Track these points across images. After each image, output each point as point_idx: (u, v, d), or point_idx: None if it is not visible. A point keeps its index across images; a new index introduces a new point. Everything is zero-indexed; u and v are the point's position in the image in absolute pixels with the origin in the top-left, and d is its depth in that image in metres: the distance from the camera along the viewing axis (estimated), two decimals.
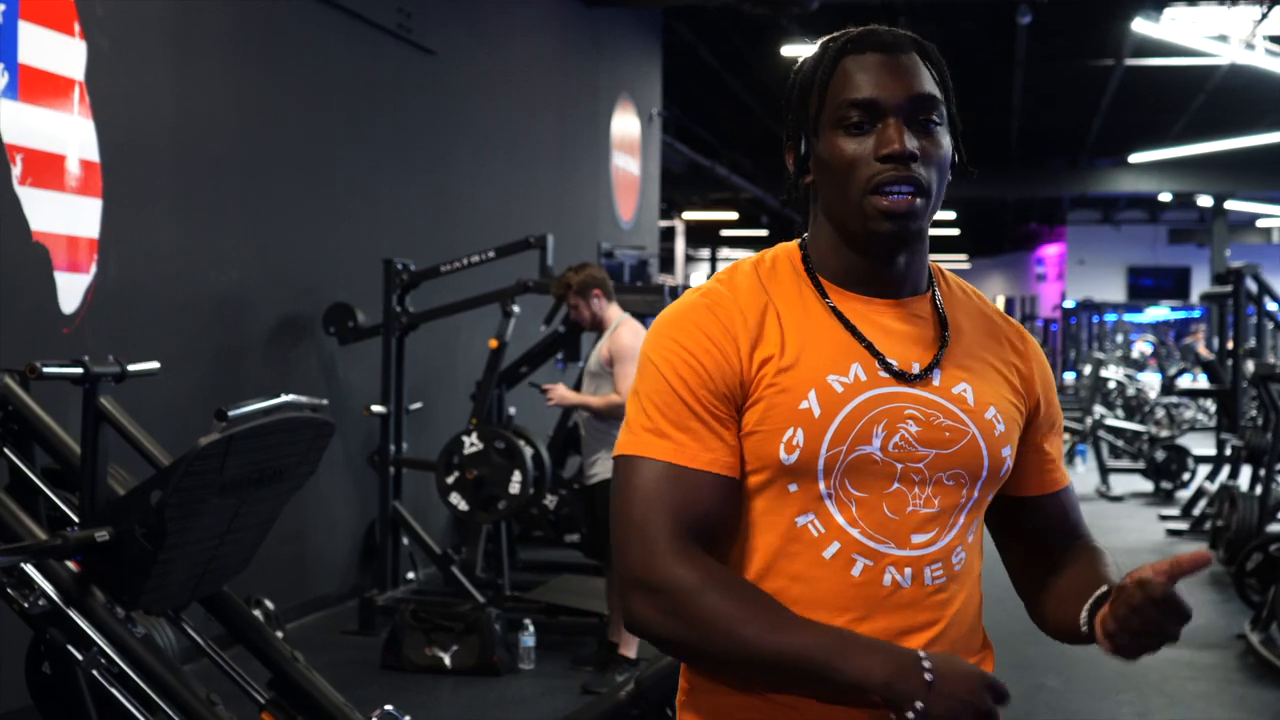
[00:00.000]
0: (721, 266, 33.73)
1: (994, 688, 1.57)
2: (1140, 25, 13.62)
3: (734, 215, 29.13)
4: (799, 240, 1.86)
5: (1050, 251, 37.71)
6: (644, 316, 7.56)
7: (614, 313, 6.51)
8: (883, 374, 1.74)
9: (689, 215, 28.74)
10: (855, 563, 1.70)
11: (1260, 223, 32.38)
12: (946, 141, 1.76)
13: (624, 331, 6.40)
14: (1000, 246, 39.76)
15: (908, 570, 1.71)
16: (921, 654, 1.59)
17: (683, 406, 1.72)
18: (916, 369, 1.76)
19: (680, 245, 28.58)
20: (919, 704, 1.55)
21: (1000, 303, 41.57)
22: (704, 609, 1.64)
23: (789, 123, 1.83)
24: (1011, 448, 1.80)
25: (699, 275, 36.83)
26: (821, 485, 1.71)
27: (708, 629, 1.64)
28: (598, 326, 6.54)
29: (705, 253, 38.64)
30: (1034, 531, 1.91)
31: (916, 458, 1.72)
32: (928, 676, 1.56)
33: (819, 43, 1.81)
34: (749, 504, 1.75)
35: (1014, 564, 1.95)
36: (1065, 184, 26.73)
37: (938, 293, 1.85)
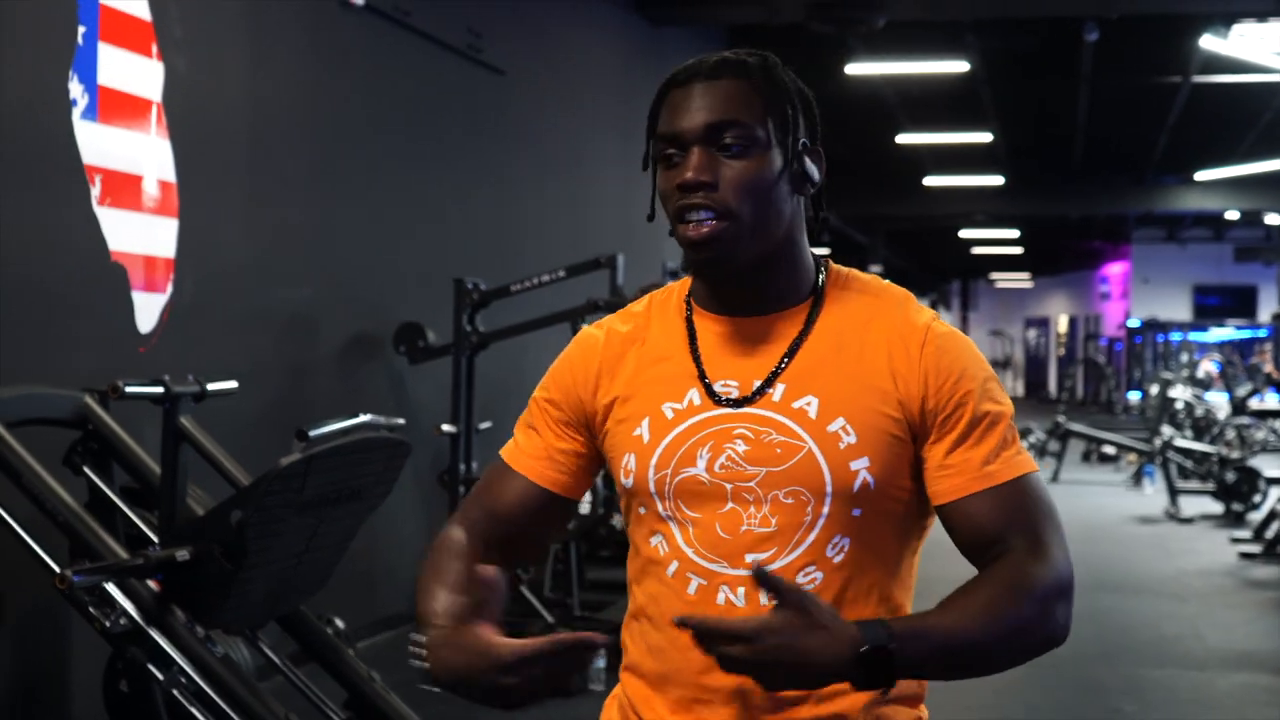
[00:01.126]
0: None
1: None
2: (1208, 42, 13.49)
3: None
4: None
5: (1114, 270, 37.40)
6: None
7: None
8: (710, 399, 1.78)
9: None
10: (690, 581, 1.76)
11: None
12: (765, 164, 1.74)
13: None
14: (1062, 265, 39.44)
15: (740, 590, 1.73)
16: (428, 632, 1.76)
17: (529, 415, 1.94)
18: (757, 385, 1.76)
19: None
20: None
21: (1063, 322, 41.29)
22: (424, 569, 1.90)
23: (647, 160, 1.86)
24: (871, 459, 1.71)
25: None
26: (659, 507, 1.78)
27: (418, 587, 1.89)
28: None
29: None
30: (955, 540, 1.76)
31: (746, 476, 1.73)
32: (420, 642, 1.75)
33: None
34: (628, 525, 1.87)
35: (964, 554, 1.81)
36: (1130, 201, 26.48)
37: (819, 304, 1.81)
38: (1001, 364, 43.28)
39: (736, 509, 1.74)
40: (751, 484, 1.73)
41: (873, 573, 1.76)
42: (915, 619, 1.64)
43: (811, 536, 1.73)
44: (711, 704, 1.76)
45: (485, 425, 7.70)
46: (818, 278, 1.84)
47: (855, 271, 1.90)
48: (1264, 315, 34.30)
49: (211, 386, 4.20)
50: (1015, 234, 30.68)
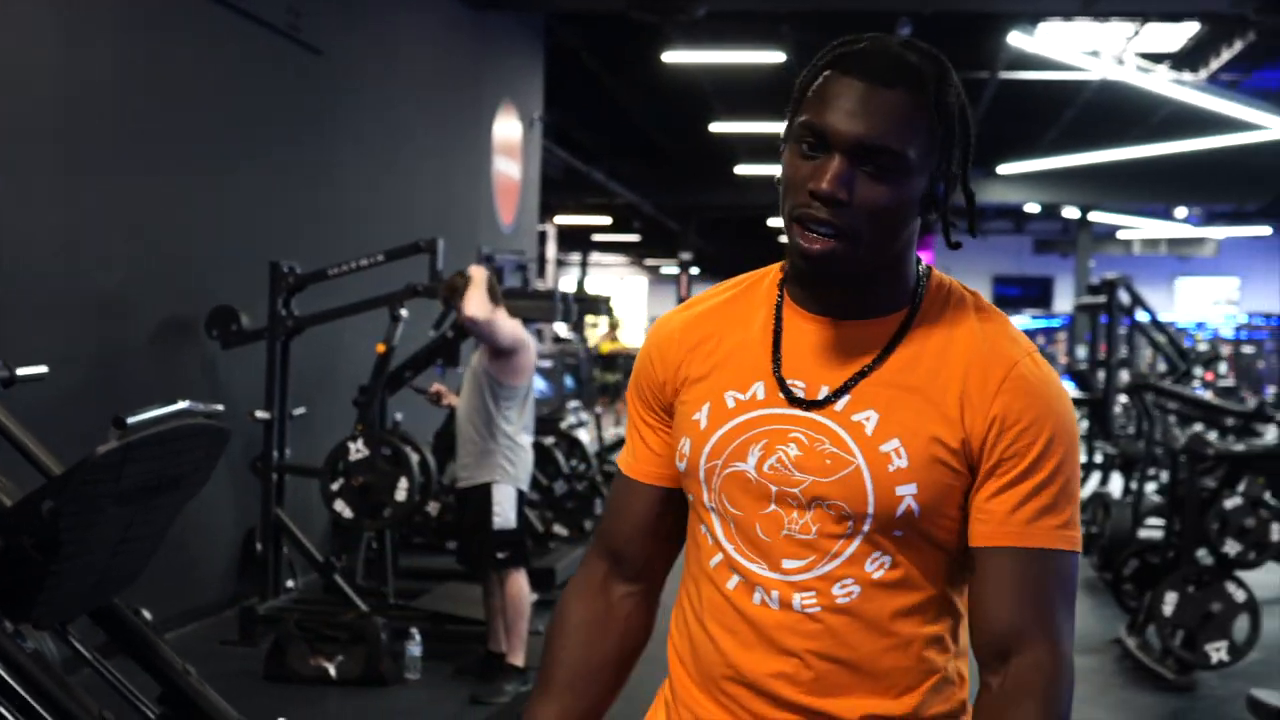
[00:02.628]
0: (592, 271, 33.65)
1: None
2: (1016, 39, 13.83)
3: (608, 220, 29.14)
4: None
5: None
6: (531, 322, 7.52)
7: (500, 317, 6.46)
8: (780, 394, 1.72)
9: (561, 219, 28.69)
10: (731, 576, 1.73)
11: (1121, 234, 33.07)
12: (904, 189, 1.66)
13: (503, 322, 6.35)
14: None
15: (775, 593, 1.70)
16: None
17: (629, 421, 1.92)
18: (825, 392, 1.70)
19: (551, 249, 28.51)
20: None
21: None
22: (552, 621, 1.93)
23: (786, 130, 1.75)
24: (919, 487, 1.65)
25: (569, 280, 36.77)
26: (705, 496, 1.76)
27: (550, 627, 1.93)
28: None
29: (576, 257, 38.59)
30: (974, 594, 1.71)
31: (792, 482, 1.69)
32: None
33: (834, 43, 1.72)
34: (690, 511, 1.85)
35: (969, 633, 1.77)
36: None
37: (914, 316, 1.73)
38: None
39: (779, 511, 1.71)
40: (797, 490, 1.70)
41: (921, 589, 1.71)
42: None
43: (850, 550, 1.69)
44: (724, 701, 1.76)
45: (300, 411, 7.58)
46: (918, 286, 1.77)
47: (958, 284, 1.81)
48: (1060, 306, 35.38)
49: (20, 372, 4.06)
50: None
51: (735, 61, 14.51)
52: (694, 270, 30.78)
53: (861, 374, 1.70)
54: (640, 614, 1.91)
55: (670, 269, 38.78)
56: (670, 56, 14.17)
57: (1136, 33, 14.08)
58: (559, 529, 9.71)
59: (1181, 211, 29.88)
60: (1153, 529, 9.39)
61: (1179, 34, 14.41)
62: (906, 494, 1.65)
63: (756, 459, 1.71)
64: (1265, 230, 31.88)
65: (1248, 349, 26.76)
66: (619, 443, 11.60)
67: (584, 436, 11.06)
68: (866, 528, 1.67)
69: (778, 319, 1.77)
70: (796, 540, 1.69)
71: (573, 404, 12.39)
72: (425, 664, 6.58)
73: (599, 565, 1.91)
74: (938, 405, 1.67)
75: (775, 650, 1.70)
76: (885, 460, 1.65)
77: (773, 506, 1.70)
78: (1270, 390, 22.59)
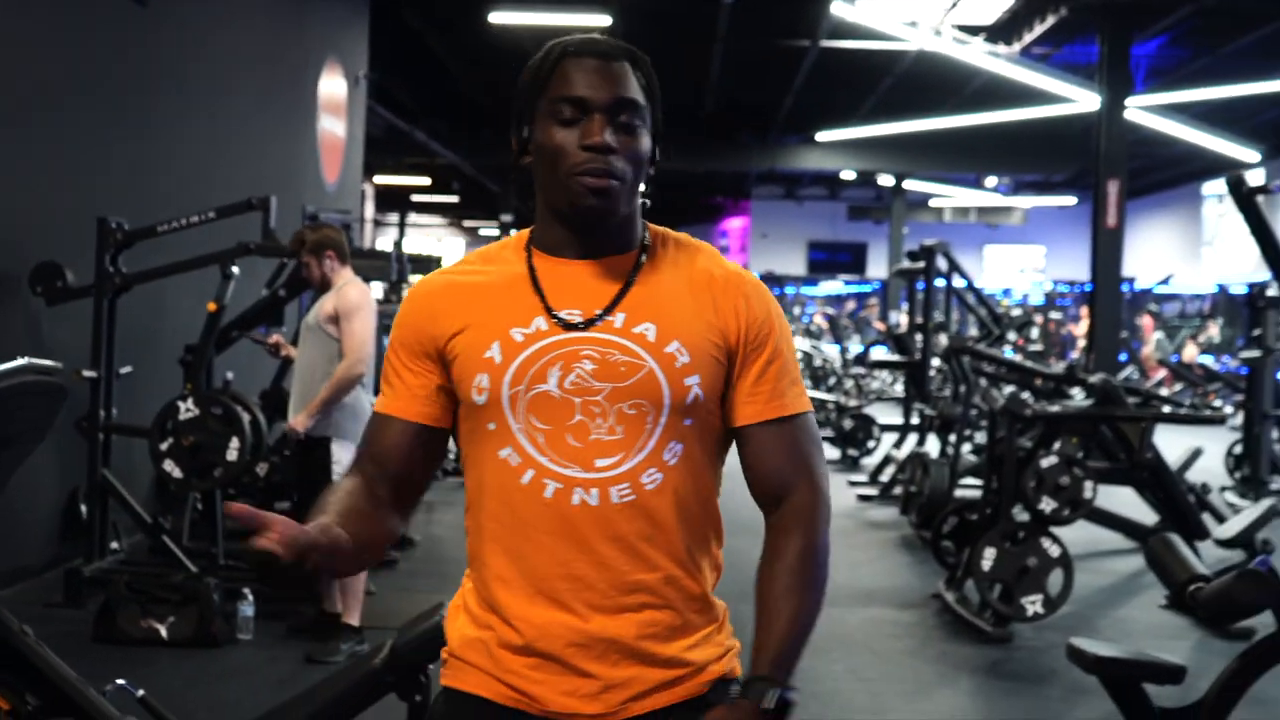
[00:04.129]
0: (411, 232, 33.38)
1: None
2: (838, 8, 14.08)
3: (427, 180, 28.95)
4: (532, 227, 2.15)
5: (734, 224, 38.62)
6: (368, 280, 7.49)
7: (345, 275, 6.43)
8: (558, 324, 2.01)
9: (380, 179, 28.44)
10: (547, 486, 1.98)
11: (933, 202, 33.85)
12: (645, 141, 2.03)
13: (350, 290, 6.32)
14: (685, 218, 40.47)
15: (594, 490, 1.97)
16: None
17: (390, 368, 2.11)
18: (597, 314, 2.01)
19: (369, 209, 28.25)
20: None
21: None
22: (321, 496, 2.03)
23: (515, 111, 2.09)
24: (701, 377, 2.00)
25: (386, 240, 36.44)
26: (511, 421, 2.00)
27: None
28: (325, 287, 6.44)
29: (394, 218, 38.26)
30: (749, 459, 2.08)
31: (593, 391, 1.98)
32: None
33: (547, 45, 2.05)
34: (470, 445, 2.06)
35: (750, 489, 2.11)
36: (754, 159, 27.42)
37: (646, 252, 2.08)
38: None
39: (584, 420, 1.98)
40: (598, 398, 1.98)
41: (700, 476, 2.05)
42: (771, 646, 1.97)
43: (652, 443, 1.99)
44: (558, 599, 1.98)
45: (126, 370, 7.43)
46: (643, 234, 2.11)
47: (669, 230, 2.16)
48: (873, 271, 36.08)
49: None
50: (641, 187, 31.27)
51: (562, 24, 14.50)
52: (514, 232, 30.71)
53: (621, 293, 2.03)
54: (395, 520, 2.10)
55: (490, 230, 38.66)
56: (497, 17, 14.12)
57: (954, 4, 14.42)
58: None
59: (991, 181, 30.69)
60: (969, 488, 9.69)
61: (995, 7, 14.80)
62: (693, 384, 2.00)
63: (557, 378, 1.98)
64: (1071, 200, 32.87)
65: (1055, 315, 27.63)
66: None
67: None
68: (664, 419, 1.99)
69: (532, 268, 2.07)
70: (604, 442, 1.98)
71: None
72: (258, 624, 6.54)
73: (362, 476, 2.08)
74: (698, 313, 2.04)
75: (602, 540, 1.97)
76: (671, 359, 1.99)
77: (578, 416, 1.98)
78: (1074, 355, 23.34)
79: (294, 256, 6.67)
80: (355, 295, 6.30)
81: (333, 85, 13.07)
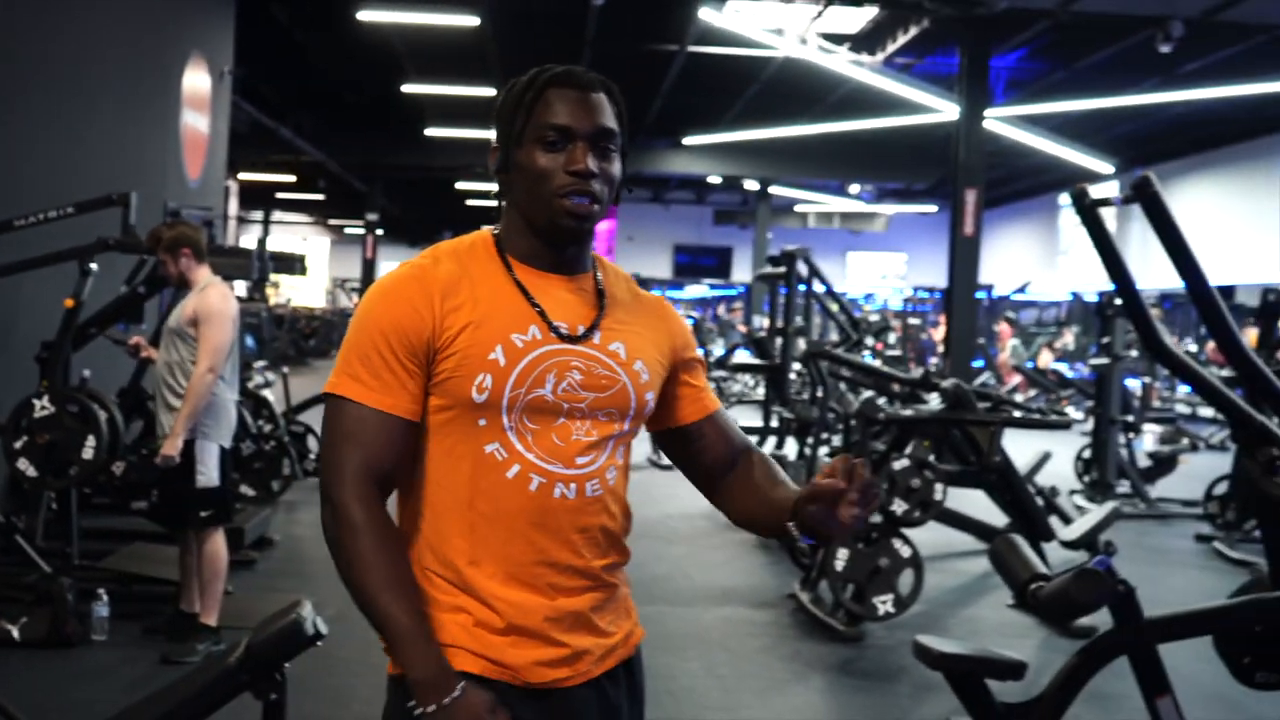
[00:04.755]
0: (276, 229, 32.92)
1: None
2: (706, 14, 14.21)
3: (292, 178, 28.67)
4: (491, 229, 2.31)
5: (601, 227, 38.52)
6: (229, 279, 7.44)
7: (203, 274, 6.36)
8: (552, 334, 2.20)
9: (244, 176, 28.11)
10: (532, 480, 2.18)
11: (798, 208, 34.22)
12: (618, 165, 2.25)
13: (212, 293, 6.26)
14: None
15: (573, 485, 2.20)
16: (461, 684, 2.09)
17: (380, 359, 2.16)
18: (581, 330, 2.24)
19: (233, 206, 27.91)
20: (422, 709, 2.08)
21: None
22: (355, 548, 2.13)
23: (497, 130, 2.28)
24: (654, 392, 2.31)
25: (250, 238, 36.00)
26: (505, 420, 2.17)
27: (350, 565, 2.13)
28: (183, 285, 6.38)
29: (258, 214, 37.81)
30: (701, 449, 2.43)
31: (579, 399, 2.20)
32: (445, 700, 2.07)
33: (530, 72, 2.25)
34: (445, 436, 2.19)
35: (696, 479, 2.48)
36: None
37: (599, 273, 2.34)
38: None
39: (568, 424, 2.20)
40: (582, 405, 2.21)
41: (628, 469, 2.36)
42: (789, 496, 2.22)
43: (611, 445, 2.27)
44: (530, 582, 2.19)
45: None
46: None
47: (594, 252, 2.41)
48: (738, 275, 36.39)
49: None
50: None
51: (430, 23, 14.47)
52: (379, 231, 30.53)
53: (600, 315, 2.27)
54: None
55: (355, 229, 38.35)
56: (365, 15, 14.06)
57: (820, 14, 14.62)
58: (246, 489, 9.60)
59: (855, 188, 31.09)
60: None
61: (859, 17, 15.03)
62: (649, 398, 2.30)
63: (552, 384, 2.18)
64: (931, 208, 33.45)
65: (914, 320, 28.05)
66: (308, 402, 11.52)
67: (270, 396, 10.92)
68: (626, 426, 2.28)
69: (514, 275, 2.24)
70: (584, 443, 2.21)
71: (259, 364, 12.21)
72: (113, 625, 6.48)
73: (368, 485, 2.16)
74: (652, 335, 2.34)
75: (573, 530, 2.21)
76: (637, 376, 2.27)
77: (563, 419, 2.20)
78: (933, 360, 23.73)
79: (151, 254, 6.61)
80: (216, 299, 6.24)
81: (197, 80, 12.93)
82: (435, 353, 2.17)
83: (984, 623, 7.65)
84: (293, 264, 13.69)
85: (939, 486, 7.25)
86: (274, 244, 37.35)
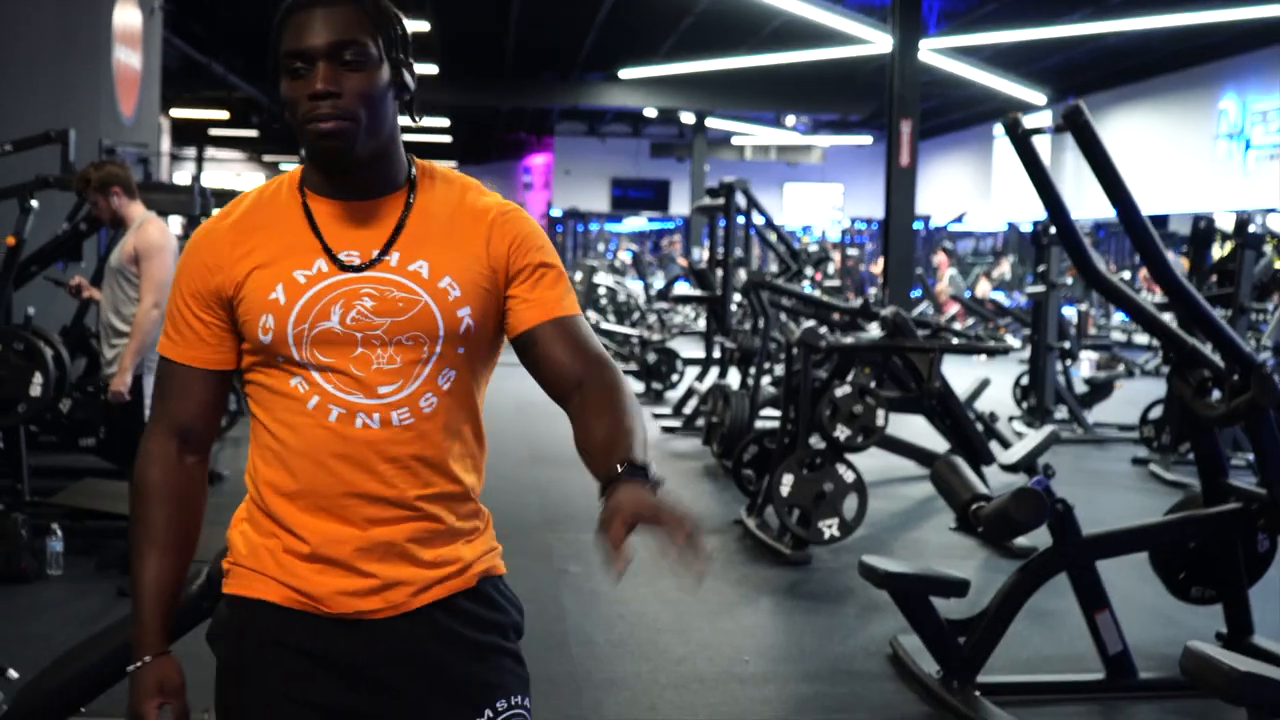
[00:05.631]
0: (209, 166, 32.52)
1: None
2: None
3: (225, 114, 28.41)
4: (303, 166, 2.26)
5: (537, 161, 38.61)
6: (168, 215, 7.43)
7: (137, 210, 6.34)
8: (336, 266, 2.14)
9: (176, 113, 27.83)
10: (331, 411, 2.12)
11: (735, 140, 34.24)
12: (378, 75, 2.11)
13: (150, 229, 6.25)
14: (488, 155, 40.37)
15: (376, 415, 2.12)
16: (149, 656, 2.17)
17: (180, 316, 2.22)
18: (376, 255, 2.14)
19: (166, 143, 27.62)
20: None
21: None
22: (136, 508, 2.23)
23: (269, 72, 2.17)
24: (472, 308, 2.15)
25: (183, 175, 35.68)
26: (297, 355, 2.13)
27: (131, 523, 2.23)
28: (118, 223, 6.37)
29: (192, 152, 37.45)
30: (535, 361, 2.22)
31: (373, 326, 2.12)
32: (136, 664, 2.18)
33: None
34: (256, 375, 2.19)
35: (547, 392, 2.24)
36: (556, 96, 27.45)
37: (414, 191, 2.21)
38: None
39: (366, 353, 2.12)
40: (378, 332, 2.12)
41: (469, 397, 2.22)
42: (624, 444, 2.04)
43: (427, 370, 2.15)
44: (340, 514, 2.13)
45: None
46: (410, 170, 2.23)
47: (435, 164, 2.28)
48: (676, 208, 36.43)
49: None
50: (445, 123, 31.13)
51: None
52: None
53: (395, 234, 2.16)
54: (205, 480, 2.28)
55: (290, 165, 38.04)
56: None
57: None
58: None
59: (791, 120, 31.13)
60: (769, 419, 9.96)
61: None
62: (464, 315, 2.15)
63: (339, 315, 2.11)
64: (867, 139, 33.55)
65: (852, 251, 28.23)
66: None
67: None
68: (439, 349, 2.14)
69: (308, 210, 2.18)
70: (385, 370, 2.12)
71: None
72: (68, 560, 6.51)
73: (169, 441, 2.23)
74: (466, 249, 2.18)
75: (381, 460, 2.12)
76: (445, 293, 2.14)
77: (360, 349, 2.11)
78: (871, 290, 23.92)
79: (81, 195, 6.59)
80: (155, 234, 6.24)
81: (127, 15, 12.79)
82: (230, 301, 2.17)
83: (927, 545, 7.81)
84: (229, 200, 13.61)
85: (880, 412, 7.37)
86: (208, 180, 37.12)
